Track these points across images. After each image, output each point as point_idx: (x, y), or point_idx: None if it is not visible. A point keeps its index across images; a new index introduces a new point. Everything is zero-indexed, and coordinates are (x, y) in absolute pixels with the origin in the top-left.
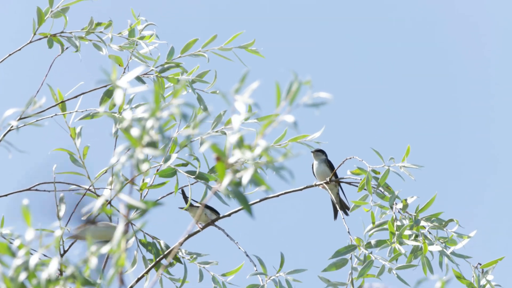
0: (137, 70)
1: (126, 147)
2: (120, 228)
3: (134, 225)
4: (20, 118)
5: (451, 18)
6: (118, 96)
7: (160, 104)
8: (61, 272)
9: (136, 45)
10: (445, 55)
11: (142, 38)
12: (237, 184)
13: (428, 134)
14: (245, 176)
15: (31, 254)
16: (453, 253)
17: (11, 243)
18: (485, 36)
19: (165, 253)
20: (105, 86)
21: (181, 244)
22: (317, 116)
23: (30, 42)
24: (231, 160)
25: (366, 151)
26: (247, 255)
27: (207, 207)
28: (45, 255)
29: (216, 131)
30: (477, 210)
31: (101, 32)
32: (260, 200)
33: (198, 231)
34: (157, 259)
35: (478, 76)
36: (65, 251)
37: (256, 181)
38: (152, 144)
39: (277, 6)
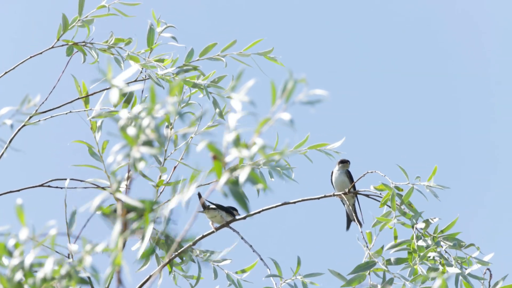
0: (132, 69)
1: (122, 145)
2: (118, 227)
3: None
4: (35, 114)
5: (451, 17)
6: (113, 95)
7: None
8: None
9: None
10: (445, 54)
11: (161, 61)
12: (234, 182)
13: (428, 134)
14: (242, 175)
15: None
16: (469, 274)
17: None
18: (485, 36)
19: (178, 252)
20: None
21: (194, 244)
22: (312, 111)
23: (53, 47)
24: (228, 158)
25: (366, 150)
26: (261, 259)
27: (223, 208)
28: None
29: (213, 126)
30: (477, 211)
31: (121, 48)
32: (276, 206)
33: (212, 232)
34: (170, 259)
35: (478, 75)
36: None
37: (253, 179)
38: (149, 143)
39: (277, 6)
